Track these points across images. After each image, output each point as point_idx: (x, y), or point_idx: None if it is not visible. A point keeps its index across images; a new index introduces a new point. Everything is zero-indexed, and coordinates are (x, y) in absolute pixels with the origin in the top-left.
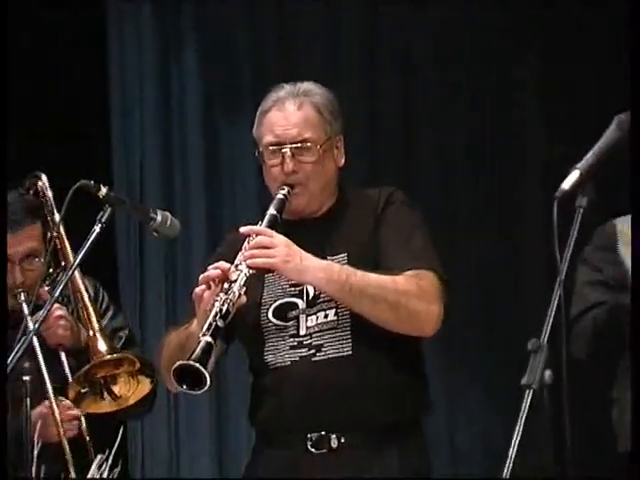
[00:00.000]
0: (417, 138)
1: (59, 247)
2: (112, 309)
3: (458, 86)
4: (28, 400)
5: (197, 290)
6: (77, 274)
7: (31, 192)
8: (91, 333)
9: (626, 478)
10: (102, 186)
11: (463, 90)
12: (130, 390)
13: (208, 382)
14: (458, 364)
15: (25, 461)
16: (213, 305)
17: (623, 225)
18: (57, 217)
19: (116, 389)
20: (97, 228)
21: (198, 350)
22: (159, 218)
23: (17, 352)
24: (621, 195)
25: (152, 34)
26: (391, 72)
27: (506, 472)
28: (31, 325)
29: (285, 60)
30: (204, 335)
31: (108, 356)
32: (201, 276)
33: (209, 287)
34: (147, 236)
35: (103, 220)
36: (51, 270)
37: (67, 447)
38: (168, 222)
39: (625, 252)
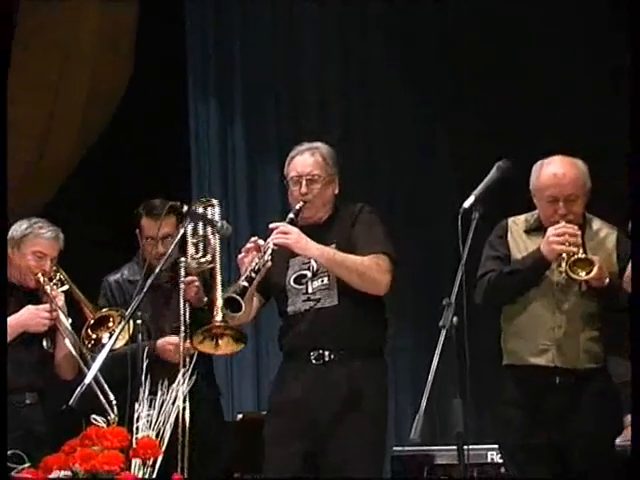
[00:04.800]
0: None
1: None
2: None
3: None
4: (140, 335)
5: (240, 256)
6: (217, 260)
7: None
8: (214, 300)
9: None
10: (184, 204)
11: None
12: (227, 346)
13: (243, 308)
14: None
15: (136, 374)
16: (249, 265)
17: (513, 221)
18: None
19: (220, 342)
20: (182, 231)
21: (238, 289)
22: (219, 225)
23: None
24: (513, 205)
25: (215, 102)
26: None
27: (430, 379)
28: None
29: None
30: (242, 281)
31: (218, 323)
32: (243, 248)
33: (247, 254)
34: None
35: (186, 226)
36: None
37: (182, 362)
38: (225, 227)
39: (510, 239)
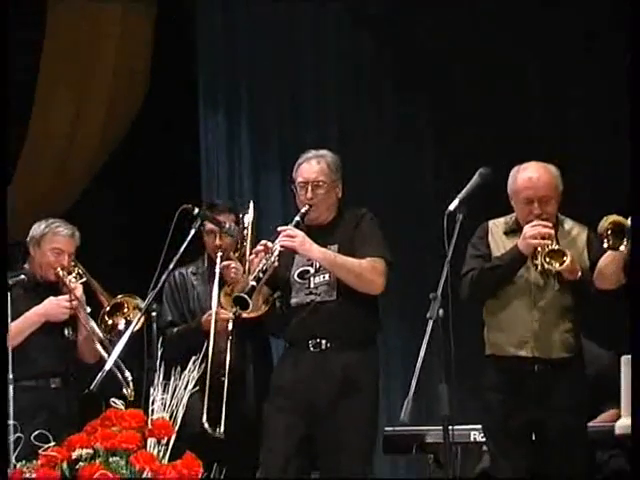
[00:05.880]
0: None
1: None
2: None
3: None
4: (155, 325)
5: (250, 257)
6: (248, 248)
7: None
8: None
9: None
10: (195, 207)
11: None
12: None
13: (251, 306)
14: (392, 310)
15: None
16: (258, 265)
17: (493, 224)
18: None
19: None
20: (192, 231)
21: (246, 288)
22: (227, 225)
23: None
24: (494, 209)
25: (223, 117)
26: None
27: (419, 366)
28: (218, 270)
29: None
30: (251, 281)
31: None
32: (254, 249)
33: (257, 256)
34: None
35: (196, 227)
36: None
37: (213, 336)
38: (232, 227)
39: (490, 240)
